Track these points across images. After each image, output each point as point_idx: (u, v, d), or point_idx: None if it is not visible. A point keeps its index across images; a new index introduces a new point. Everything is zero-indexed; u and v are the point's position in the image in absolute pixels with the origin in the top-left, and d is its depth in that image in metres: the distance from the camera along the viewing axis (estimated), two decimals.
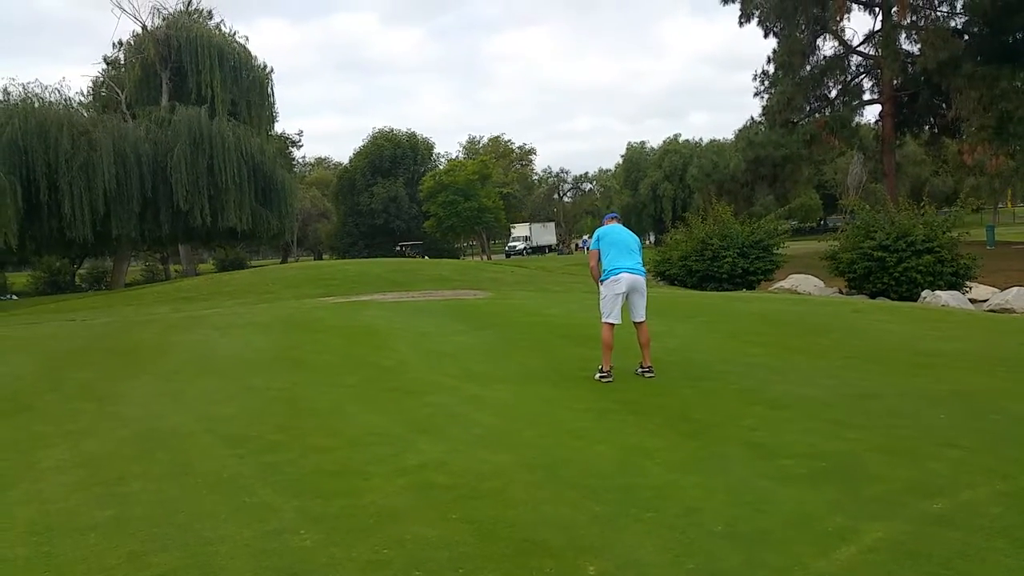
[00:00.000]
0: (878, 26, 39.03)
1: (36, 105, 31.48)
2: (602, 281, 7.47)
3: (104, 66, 44.41)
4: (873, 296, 18.23)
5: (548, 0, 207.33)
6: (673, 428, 5.61)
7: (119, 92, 38.85)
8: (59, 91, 34.02)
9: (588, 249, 8.11)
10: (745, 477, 4.45)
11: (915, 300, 16.94)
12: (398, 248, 65.76)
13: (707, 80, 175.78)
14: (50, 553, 3.70)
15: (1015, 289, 17.05)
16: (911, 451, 4.83)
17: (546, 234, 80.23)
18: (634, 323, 7.45)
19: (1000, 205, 76.35)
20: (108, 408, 6.82)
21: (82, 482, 4.75)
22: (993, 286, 19.61)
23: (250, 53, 39.77)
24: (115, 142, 31.35)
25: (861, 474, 4.43)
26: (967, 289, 18.52)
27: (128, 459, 5.21)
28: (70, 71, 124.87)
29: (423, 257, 55.15)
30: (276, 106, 42.21)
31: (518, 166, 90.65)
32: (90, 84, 44.14)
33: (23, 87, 32.15)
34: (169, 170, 32.26)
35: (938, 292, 16.86)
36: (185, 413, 6.50)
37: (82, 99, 41.34)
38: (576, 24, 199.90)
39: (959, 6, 36.53)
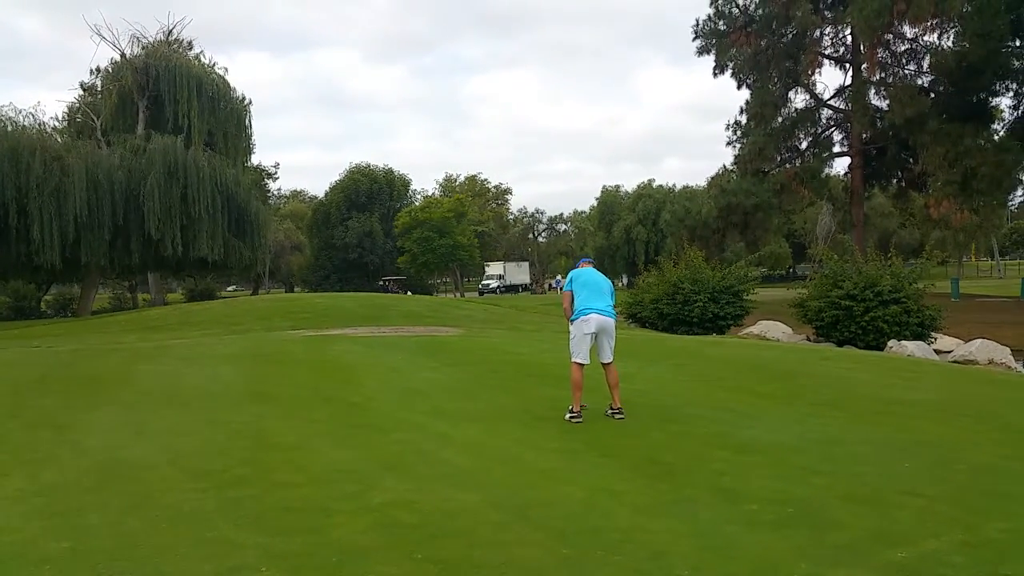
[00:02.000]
0: (848, 81, 40.19)
1: (9, 128, 31.23)
2: (572, 321, 7.53)
3: (80, 92, 44.26)
4: (840, 344, 18.46)
5: (529, 45, 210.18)
6: (641, 471, 5.61)
7: (95, 119, 38.65)
8: (33, 115, 33.87)
9: (561, 290, 8.16)
10: (712, 521, 4.46)
11: (881, 349, 17.16)
12: (381, 283, 65.68)
13: (682, 128, 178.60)
14: None
15: (978, 341, 17.36)
16: (876, 499, 4.87)
17: (520, 273, 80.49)
18: (602, 364, 7.49)
19: (964, 258, 78.03)
20: (69, 437, 6.68)
21: (39, 512, 4.64)
22: (957, 337, 19.95)
23: (228, 84, 39.92)
24: (88, 168, 31.10)
25: (827, 521, 4.46)
26: (932, 340, 18.82)
27: (88, 490, 5.10)
28: (46, 96, 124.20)
29: (406, 293, 55.10)
30: (253, 138, 42.33)
31: (494, 205, 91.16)
32: (66, 110, 43.90)
33: None
34: (142, 198, 32.03)
35: (904, 342, 17.11)
36: (148, 444, 6.39)
37: (56, 124, 41.07)
38: (556, 69, 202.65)
39: (926, 65, 37.77)
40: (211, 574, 3.69)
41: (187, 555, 3.92)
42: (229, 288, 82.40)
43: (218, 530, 4.31)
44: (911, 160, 39.42)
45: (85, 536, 4.21)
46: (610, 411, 7.42)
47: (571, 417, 7.22)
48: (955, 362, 15.74)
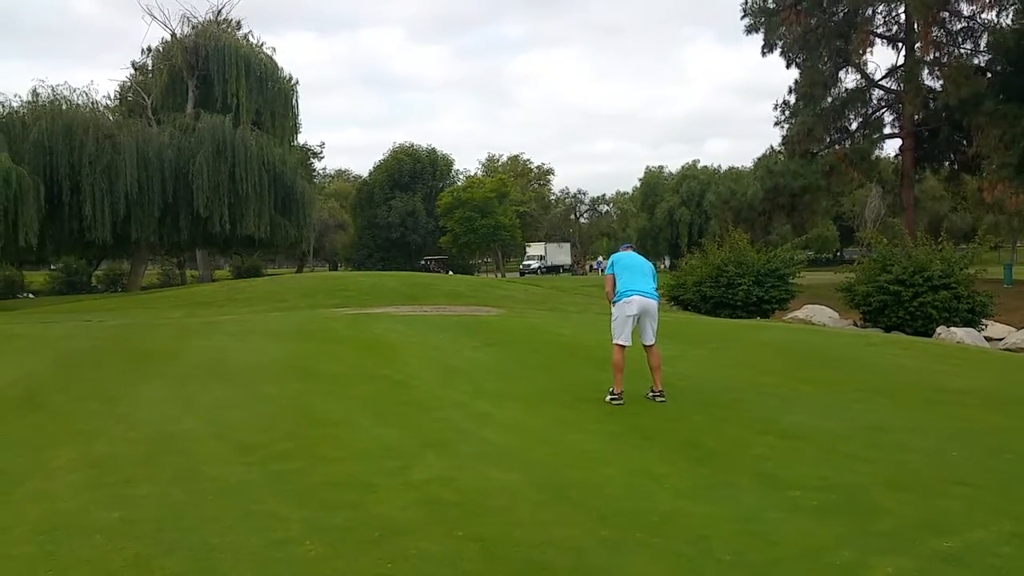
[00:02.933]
0: (901, 61, 39.08)
1: (63, 107, 31.96)
2: (614, 303, 7.48)
3: (132, 71, 45.00)
4: (888, 330, 18.11)
5: (574, 24, 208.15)
6: (683, 454, 5.58)
7: (145, 97, 39.34)
8: (87, 94, 34.53)
9: (603, 273, 8.08)
10: (754, 507, 4.42)
11: (930, 336, 16.81)
12: (423, 262, 66.11)
13: (728, 108, 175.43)
14: (55, 553, 3.71)
15: None
16: (922, 487, 4.78)
17: (561, 254, 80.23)
18: (644, 346, 7.44)
19: (1018, 243, 75.75)
20: (119, 410, 6.86)
21: (91, 482, 4.77)
22: (1010, 325, 19.46)
23: (276, 64, 40.26)
24: (139, 146, 31.73)
25: (871, 508, 4.39)
26: (983, 327, 18.36)
27: (137, 461, 5.24)
28: (99, 75, 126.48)
29: (448, 272, 55.46)
30: (299, 117, 42.62)
31: (536, 185, 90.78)
32: (117, 88, 44.72)
33: (52, 89, 32.70)
34: (191, 176, 32.59)
35: (953, 328, 16.74)
36: (196, 418, 6.53)
37: (108, 103, 41.88)
38: (601, 48, 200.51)
39: (983, 44, 36.50)
40: (256, 546, 3.77)
41: (233, 527, 4.01)
42: (288, 269, 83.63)
43: (263, 503, 4.39)
44: (965, 142, 38.28)
45: (134, 506, 4.32)
46: (651, 394, 7.38)
47: (612, 399, 7.20)
48: (1007, 350, 15.36)
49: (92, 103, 34.58)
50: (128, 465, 5.15)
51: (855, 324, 19.92)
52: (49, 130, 29.85)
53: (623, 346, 7.30)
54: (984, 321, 18.61)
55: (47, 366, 9.33)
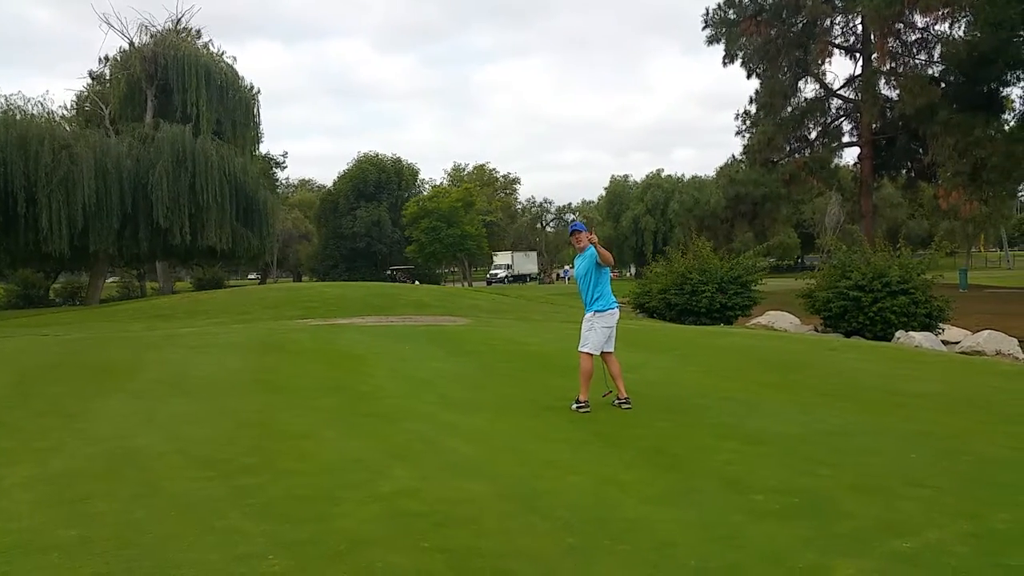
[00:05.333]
0: (858, 71, 40.04)
1: (18, 117, 31.29)
2: (602, 311, 7.41)
3: (89, 81, 44.41)
4: (848, 335, 18.42)
5: (540, 34, 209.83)
6: (648, 461, 5.61)
7: (103, 107, 38.73)
8: (42, 104, 33.91)
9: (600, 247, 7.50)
10: (719, 511, 4.45)
11: (889, 340, 17.11)
12: (388, 272, 65.76)
13: (692, 117, 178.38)
14: (10, 573, 3.62)
15: (986, 332, 17.33)
16: (882, 489, 4.86)
17: (528, 263, 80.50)
18: (604, 353, 7.47)
19: (973, 249, 77.64)
20: (77, 425, 6.72)
21: (47, 500, 4.67)
22: (965, 328, 19.89)
23: (237, 73, 39.88)
24: (97, 157, 31.18)
25: (833, 511, 4.45)
26: (940, 331, 18.75)
27: (96, 478, 5.13)
28: (56, 85, 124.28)
29: (414, 282, 55.26)
30: (262, 127, 42.26)
31: (502, 195, 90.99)
32: (74, 98, 44.04)
33: (5, 99, 31.99)
34: (150, 187, 32.12)
35: (912, 333, 17.07)
36: (156, 433, 6.42)
37: (65, 113, 41.17)
38: (568, 58, 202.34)
39: (937, 55, 37.50)
40: (218, 562, 3.71)
41: (194, 544, 3.94)
42: (250, 276, 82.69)
43: (225, 518, 4.33)
44: (921, 150, 39.24)
45: (93, 524, 4.23)
46: (617, 401, 7.42)
47: (578, 407, 7.22)
48: (962, 353, 15.69)
49: (48, 113, 33.93)
50: (87, 482, 5.05)
51: (816, 329, 20.21)
52: (3, 140, 29.21)
53: (593, 354, 7.34)
54: (941, 325, 19.01)
55: (2, 381, 9.10)
